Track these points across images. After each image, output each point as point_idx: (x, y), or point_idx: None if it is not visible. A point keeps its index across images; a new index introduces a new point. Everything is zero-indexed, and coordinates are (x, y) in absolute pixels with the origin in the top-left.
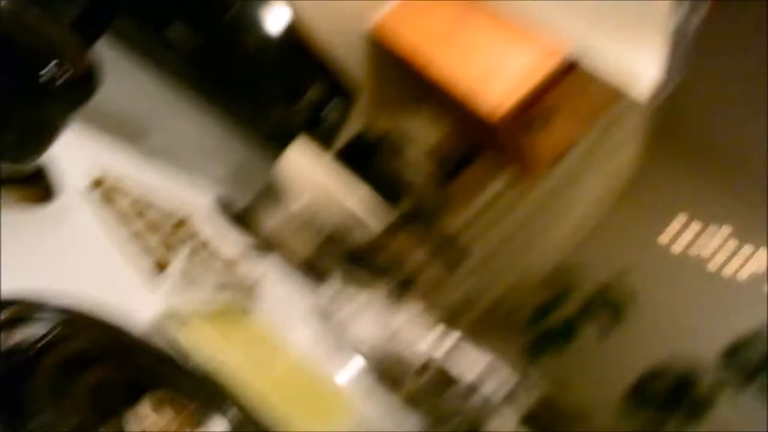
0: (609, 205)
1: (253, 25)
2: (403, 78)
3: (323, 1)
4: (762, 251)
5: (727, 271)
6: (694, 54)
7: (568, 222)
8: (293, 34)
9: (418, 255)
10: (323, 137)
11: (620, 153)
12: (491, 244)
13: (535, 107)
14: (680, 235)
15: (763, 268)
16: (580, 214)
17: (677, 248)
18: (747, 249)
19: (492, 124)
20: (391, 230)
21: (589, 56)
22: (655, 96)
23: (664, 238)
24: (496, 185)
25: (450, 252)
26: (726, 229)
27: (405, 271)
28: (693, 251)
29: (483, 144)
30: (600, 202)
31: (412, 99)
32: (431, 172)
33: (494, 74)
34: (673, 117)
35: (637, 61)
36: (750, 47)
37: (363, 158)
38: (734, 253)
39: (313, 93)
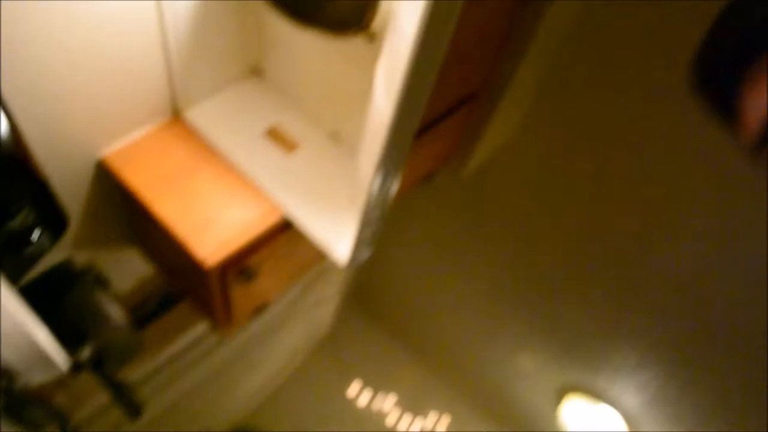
0: (303, 358)
1: None
2: (124, 214)
3: (49, 122)
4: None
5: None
6: (388, 227)
7: (262, 374)
8: (7, 149)
9: (97, 401)
10: (22, 264)
11: (319, 310)
12: (179, 393)
13: (246, 260)
14: (362, 393)
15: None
16: (275, 368)
17: (361, 404)
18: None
19: (202, 271)
20: (72, 373)
21: (297, 219)
22: (351, 262)
23: (350, 394)
24: (191, 335)
25: (128, 401)
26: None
27: (80, 417)
28: (374, 408)
29: (190, 291)
30: (296, 354)
31: (128, 237)
32: (128, 314)
33: (213, 223)
34: (368, 284)
35: (335, 230)
36: (441, 222)
37: (55, 291)
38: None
39: (21, 216)
